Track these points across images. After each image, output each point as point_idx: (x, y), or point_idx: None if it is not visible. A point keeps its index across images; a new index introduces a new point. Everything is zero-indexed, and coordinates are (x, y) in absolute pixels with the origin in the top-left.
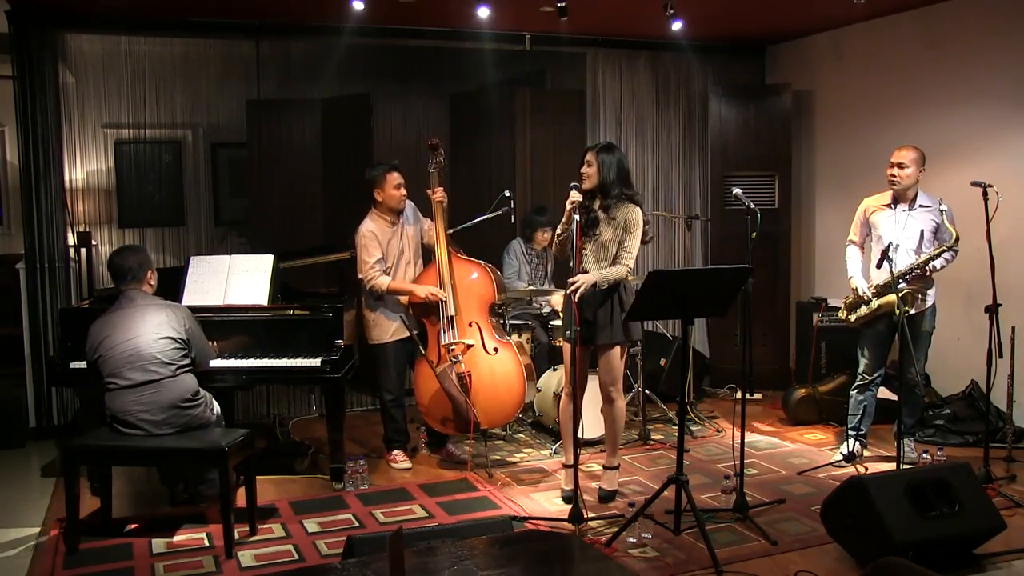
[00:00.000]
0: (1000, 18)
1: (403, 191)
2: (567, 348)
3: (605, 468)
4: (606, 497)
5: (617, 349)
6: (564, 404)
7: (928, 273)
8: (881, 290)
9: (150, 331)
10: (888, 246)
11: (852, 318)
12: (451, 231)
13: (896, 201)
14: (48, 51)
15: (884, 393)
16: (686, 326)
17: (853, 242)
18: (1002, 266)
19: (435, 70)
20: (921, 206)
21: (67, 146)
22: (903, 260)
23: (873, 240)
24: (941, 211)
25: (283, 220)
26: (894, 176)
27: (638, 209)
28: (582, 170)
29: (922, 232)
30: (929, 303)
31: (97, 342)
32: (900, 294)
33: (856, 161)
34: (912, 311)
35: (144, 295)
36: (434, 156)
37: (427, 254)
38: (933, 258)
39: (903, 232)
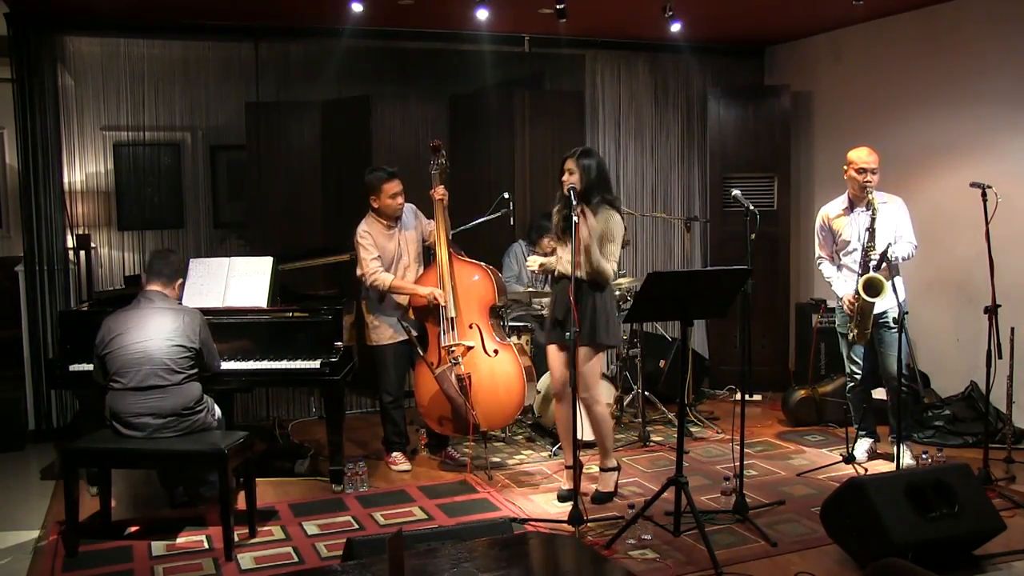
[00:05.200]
0: (999, 19)
1: (400, 200)
2: (552, 350)
3: (601, 470)
4: (599, 498)
5: (585, 350)
6: (555, 407)
7: (889, 261)
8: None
9: (163, 336)
10: (887, 247)
11: (855, 333)
12: (453, 231)
13: (852, 204)
14: (47, 54)
15: (881, 394)
16: (685, 328)
17: (824, 258)
18: (1001, 267)
19: (434, 72)
20: (881, 204)
21: (66, 148)
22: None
23: (838, 247)
24: (870, 215)
25: (282, 222)
26: (869, 183)
27: (618, 216)
28: (563, 179)
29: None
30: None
31: (109, 337)
32: (861, 281)
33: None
34: (882, 305)
35: (164, 298)
36: (436, 158)
37: (428, 255)
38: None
39: (865, 233)
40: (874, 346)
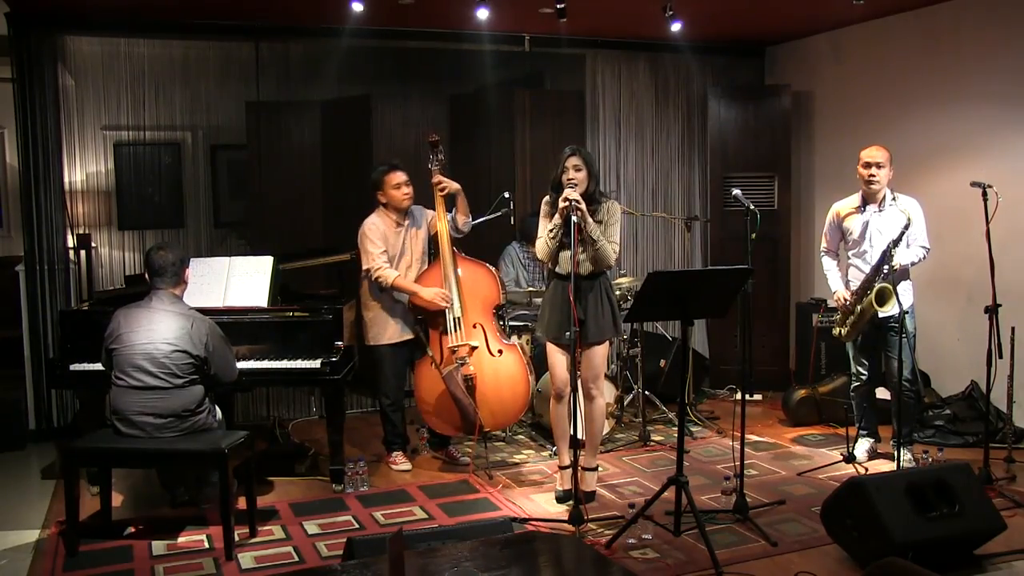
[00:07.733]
0: (999, 19)
1: (405, 190)
2: (552, 348)
3: (584, 469)
4: (586, 499)
5: (604, 346)
6: (553, 406)
7: (898, 267)
8: (860, 294)
9: (169, 340)
10: (888, 248)
11: (844, 331)
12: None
13: (866, 203)
14: (47, 53)
15: (883, 393)
16: (686, 327)
17: (827, 251)
18: (1001, 266)
19: (434, 71)
20: (890, 205)
21: (67, 148)
22: (875, 259)
23: (848, 245)
24: (907, 220)
25: (283, 222)
26: (873, 177)
27: (615, 203)
28: (571, 176)
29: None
30: (906, 305)
31: (117, 334)
32: (874, 290)
33: (855, 162)
34: (889, 312)
35: (174, 299)
36: (434, 153)
37: (431, 256)
38: (894, 249)
39: (876, 233)
40: (878, 348)
